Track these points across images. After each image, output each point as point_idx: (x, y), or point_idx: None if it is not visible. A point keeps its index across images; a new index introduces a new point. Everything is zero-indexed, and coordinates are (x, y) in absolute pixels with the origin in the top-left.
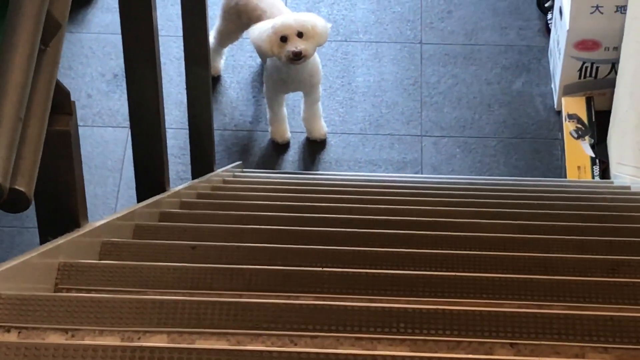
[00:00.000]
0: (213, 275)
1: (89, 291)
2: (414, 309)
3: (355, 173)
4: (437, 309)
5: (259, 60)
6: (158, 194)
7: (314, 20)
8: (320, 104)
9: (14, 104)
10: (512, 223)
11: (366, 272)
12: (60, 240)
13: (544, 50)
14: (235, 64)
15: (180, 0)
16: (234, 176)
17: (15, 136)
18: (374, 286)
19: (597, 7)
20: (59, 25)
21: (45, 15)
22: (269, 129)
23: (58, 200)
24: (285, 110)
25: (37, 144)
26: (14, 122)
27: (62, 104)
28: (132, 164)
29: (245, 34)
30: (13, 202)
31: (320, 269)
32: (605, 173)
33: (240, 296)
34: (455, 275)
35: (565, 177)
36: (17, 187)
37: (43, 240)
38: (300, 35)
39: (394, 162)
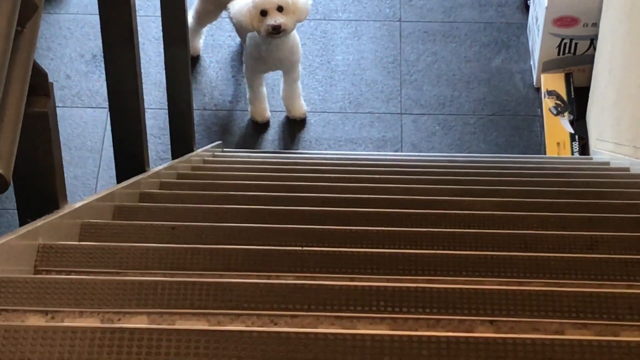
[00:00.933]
0: (193, 255)
1: (68, 273)
2: (393, 287)
3: (335, 152)
4: (417, 287)
5: (238, 39)
6: (138, 174)
7: None
8: (299, 82)
9: None
10: (491, 200)
11: (346, 251)
12: (40, 222)
13: (523, 27)
14: (215, 44)
15: None
16: (214, 156)
17: None
18: (354, 265)
19: None
20: (35, 7)
21: None
22: (249, 109)
23: (37, 182)
24: (264, 89)
25: (14, 126)
26: None
27: (40, 85)
28: (112, 145)
29: (224, 14)
30: None
31: (300, 248)
32: (584, 149)
33: (221, 276)
34: (435, 253)
35: (545, 154)
36: None
37: (22, 222)
38: (280, 9)
39: (374, 140)
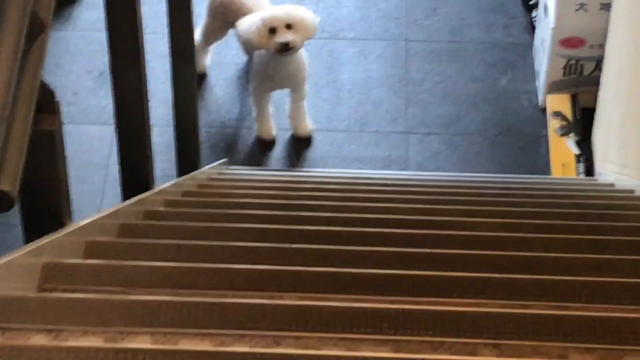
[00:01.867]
0: (197, 274)
1: (72, 291)
2: (397, 309)
3: (340, 170)
4: (421, 309)
5: (244, 57)
6: (143, 191)
7: (303, 13)
8: (306, 101)
9: None
10: (495, 221)
11: (350, 272)
12: (45, 240)
13: (529, 47)
14: (221, 62)
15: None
16: (220, 174)
17: (0, 137)
18: (358, 286)
19: (582, 4)
20: (43, 26)
21: (30, 15)
22: (255, 127)
23: (42, 200)
24: (271, 107)
25: (21, 143)
26: None
27: (47, 103)
28: (118, 162)
29: (230, 32)
30: None
31: (304, 268)
32: (589, 170)
33: (225, 295)
34: (439, 275)
35: (550, 175)
36: (0, 187)
37: (28, 240)
38: (289, 27)
39: (379, 159)
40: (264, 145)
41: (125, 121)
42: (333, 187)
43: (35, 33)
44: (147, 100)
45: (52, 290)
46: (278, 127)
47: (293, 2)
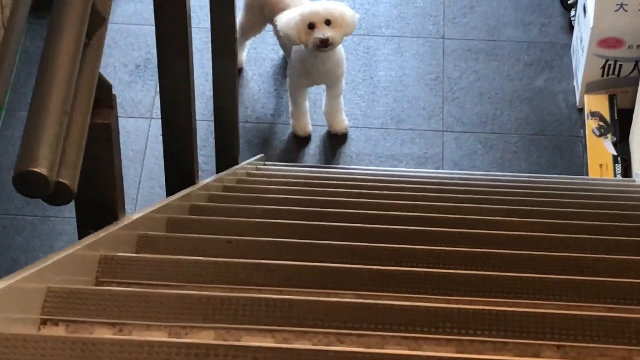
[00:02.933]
0: (253, 270)
1: (129, 284)
2: (459, 309)
3: (378, 168)
4: (484, 309)
5: (281, 53)
6: (187, 186)
7: (342, 9)
8: (342, 97)
9: (60, 97)
10: (542, 222)
11: (406, 270)
12: (102, 233)
13: (567, 47)
14: (257, 57)
15: None
16: (257, 169)
17: (61, 130)
18: (414, 284)
19: (622, 5)
20: (103, 20)
21: (90, 9)
22: (291, 122)
23: (98, 193)
24: (307, 103)
25: (80, 137)
26: (60, 116)
27: (104, 96)
28: (153, 155)
29: (267, 27)
30: (57, 195)
31: (360, 266)
32: (627, 171)
33: (281, 292)
34: (497, 275)
35: (587, 175)
36: (61, 179)
37: (82, 233)
38: (328, 23)
39: (415, 157)
40: (300, 141)
41: (171, 116)
42: (375, 184)
43: (94, 26)
44: (194, 95)
45: (109, 283)
46: (313, 123)
47: None
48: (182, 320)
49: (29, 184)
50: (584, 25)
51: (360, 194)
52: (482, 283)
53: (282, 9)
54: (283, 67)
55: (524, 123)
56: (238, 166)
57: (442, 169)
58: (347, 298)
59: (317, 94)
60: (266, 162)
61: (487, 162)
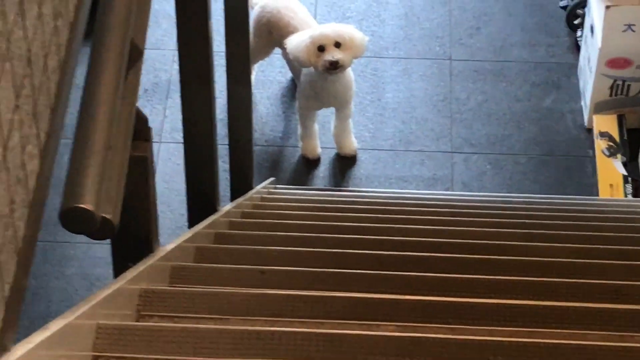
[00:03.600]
0: (293, 302)
1: (171, 318)
2: (510, 341)
3: (392, 190)
4: (533, 341)
5: (288, 75)
6: (210, 213)
7: (352, 32)
8: (351, 120)
9: (104, 132)
10: (565, 247)
11: (445, 301)
12: (141, 267)
13: (574, 67)
14: (265, 80)
15: (225, 21)
16: (270, 193)
17: (106, 165)
18: (455, 315)
19: (629, 25)
20: (140, 53)
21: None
22: (300, 145)
23: (135, 226)
24: (316, 126)
25: (120, 171)
26: (104, 151)
27: (141, 129)
28: (164, 179)
29: (275, 50)
30: (100, 230)
31: (400, 297)
32: (637, 191)
33: (322, 324)
34: (536, 304)
35: (598, 195)
36: (104, 214)
37: (119, 265)
38: (337, 45)
39: (424, 178)
40: (309, 164)
41: (194, 142)
42: (393, 208)
43: (132, 60)
44: (216, 121)
45: (151, 317)
46: (322, 146)
47: (338, 21)
48: (234, 356)
49: (76, 220)
50: (592, 45)
51: (382, 218)
52: (525, 313)
53: (291, 32)
54: (291, 90)
55: (532, 143)
56: (253, 191)
57: (452, 190)
58: (388, 330)
59: (326, 116)
60: (277, 186)
61: (497, 183)
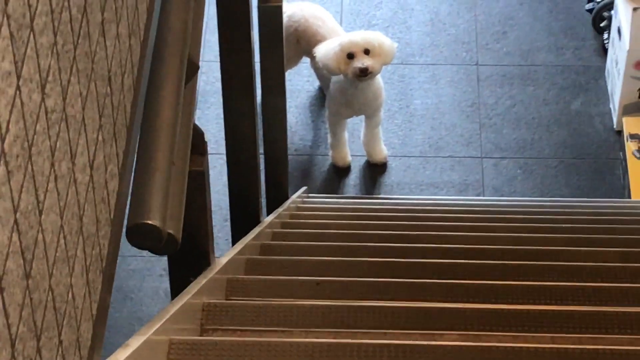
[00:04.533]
0: (357, 313)
1: (234, 331)
2: (581, 349)
3: (425, 197)
4: (601, 348)
5: (316, 84)
6: (253, 224)
7: (381, 38)
8: (380, 127)
9: (167, 148)
10: (612, 251)
11: (509, 309)
12: (203, 280)
13: (601, 69)
14: (293, 89)
15: (259, 31)
16: (303, 202)
17: (169, 181)
18: (519, 323)
19: None
20: (196, 68)
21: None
22: (330, 153)
23: (195, 240)
24: (346, 134)
25: (182, 186)
26: (168, 167)
27: (197, 144)
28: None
29: (302, 60)
30: (165, 246)
31: (462, 306)
32: None
33: (385, 334)
34: (605, 310)
35: (629, 198)
36: (168, 230)
37: (177, 279)
38: (367, 52)
39: (455, 184)
40: (339, 172)
41: (237, 154)
42: (432, 215)
43: (189, 74)
44: (258, 133)
45: (214, 330)
46: (352, 154)
47: (364, 28)
48: None
49: (143, 236)
50: (619, 48)
51: (426, 226)
52: (587, 320)
53: (319, 41)
54: (319, 99)
55: (562, 147)
56: (289, 200)
57: (483, 195)
58: (451, 339)
59: (355, 124)
60: (309, 195)
61: (528, 187)
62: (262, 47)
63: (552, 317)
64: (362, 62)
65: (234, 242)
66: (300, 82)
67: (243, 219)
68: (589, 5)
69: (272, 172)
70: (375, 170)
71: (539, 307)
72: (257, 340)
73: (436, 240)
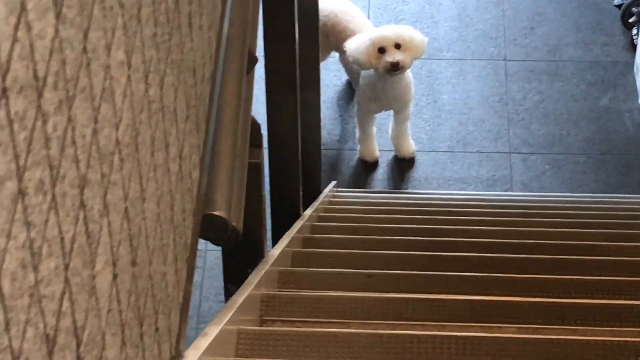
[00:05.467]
0: (414, 305)
1: (292, 322)
2: (634, 342)
3: (460, 192)
4: None
5: (344, 78)
6: (294, 218)
7: (412, 33)
8: (408, 122)
9: (232, 141)
10: None
11: (567, 302)
12: (261, 272)
13: (630, 65)
14: (321, 83)
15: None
16: (334, 197)
17: (233, 173)
18: (577, 316)
19: None
20: (256, 60)
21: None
22: (358, 148)
23: (250, 232)
24: (374, 129)
25: (242, 178)
26: (232, 159)
27: (255, 136)
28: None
29: (332, 55)
30: (230, 237)
31: (521, 299)
32: None
33: (443, 327)
34: None
35: None
36: (233, 224)
37: (232, 271)
38: (397, 46)
39: (483, 179)
40: (367, 167)
41: (279, 150)
42: (468, 209)
43: (248, 67)
44: (299, 130)
45: (273, 322)
46: (380, 148)
47: (392, 23)
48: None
49: (210, 227)
50: None
51: (463, 220)
52: None
53: (348, 36)
54: (347, 93)
55: (591, 143)
56: (322, 195)
57: (511, 191)
58: (509, 332)
59: (382, 119)
60: (339, 189)
61: (557, 183)
62: (300, 42)
63: (611, 311)
64: (393, 56)
65: (273, 235)
66: (328, 77)
67: (284, 212)
68: (617, 1)
69: (307, 167)
70: (403, 165)
71: (597, 300)
72: (323, 331)
73: (476, 234)
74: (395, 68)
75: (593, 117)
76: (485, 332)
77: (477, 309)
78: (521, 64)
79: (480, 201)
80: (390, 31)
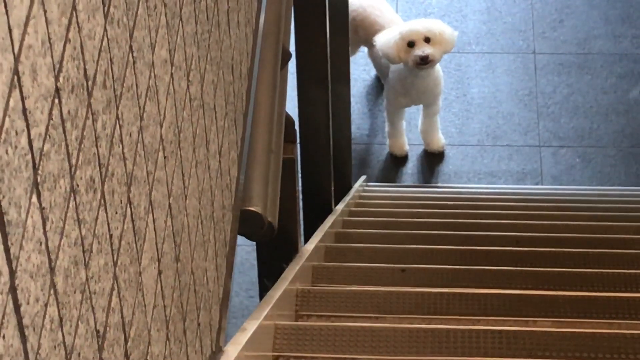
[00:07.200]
0: (448, 300)
1: (328, 317)
2: None
3: (492, 186)
4: None
5: (372, 73)
6: (326, 212)
7: (441, 27)
8: (438, 116)
9: (267, 137)
10: None
11: (602, 296)
12: (296, 267)
13: None
14: (350, 77)
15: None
16: (365, 191)
17: (269, 169)
18: (612, 310)
19: None
20: (289, 55)
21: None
22: (387, 142)
23: (285, 227)
24: (404, 123)
25: (277, 174)
26: (268, 155)
27: (289, 132)
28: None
29: (361, 49)
30: (265, 233)
31: (554, 293)
32: None
33: (478, 321)
34: None
35: None
36: (269, 220)
37: (266, 266)
38: (427, 40)
39: (513, 173)
40: (397, 161)
41: (311, 144)
42: (503, 203)
43: (282, 63)
44: (331, 125)
45: (309, 316)
46: (409, 142)
47: (420, 17)
48: (411, 354)
49: (246, 223)
50: None
51: (498, 215)
52: None
53: (377, 31)
54: (376, 88)
55: (621, 136)
56: (353, 189)
57: (542, 184)
58: (545, 326)
59: (411, 113)
60: (369, 184)
61: (587, 176)
62: (330, 37)
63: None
64: (423, 50)
65: (305, 230)
66: (357, 72)
67: (316, 207)
68: None
69: (337, 161)
70: (432, 159)
71: (633, 294)
72: (359, 326)
73: (507, 228)
74: (425, 62)
75: (623, 110)
76: (520, 327)
77: (512, 303)
78: (550, 57)
79: (511, 195)
80: (420, 25)
